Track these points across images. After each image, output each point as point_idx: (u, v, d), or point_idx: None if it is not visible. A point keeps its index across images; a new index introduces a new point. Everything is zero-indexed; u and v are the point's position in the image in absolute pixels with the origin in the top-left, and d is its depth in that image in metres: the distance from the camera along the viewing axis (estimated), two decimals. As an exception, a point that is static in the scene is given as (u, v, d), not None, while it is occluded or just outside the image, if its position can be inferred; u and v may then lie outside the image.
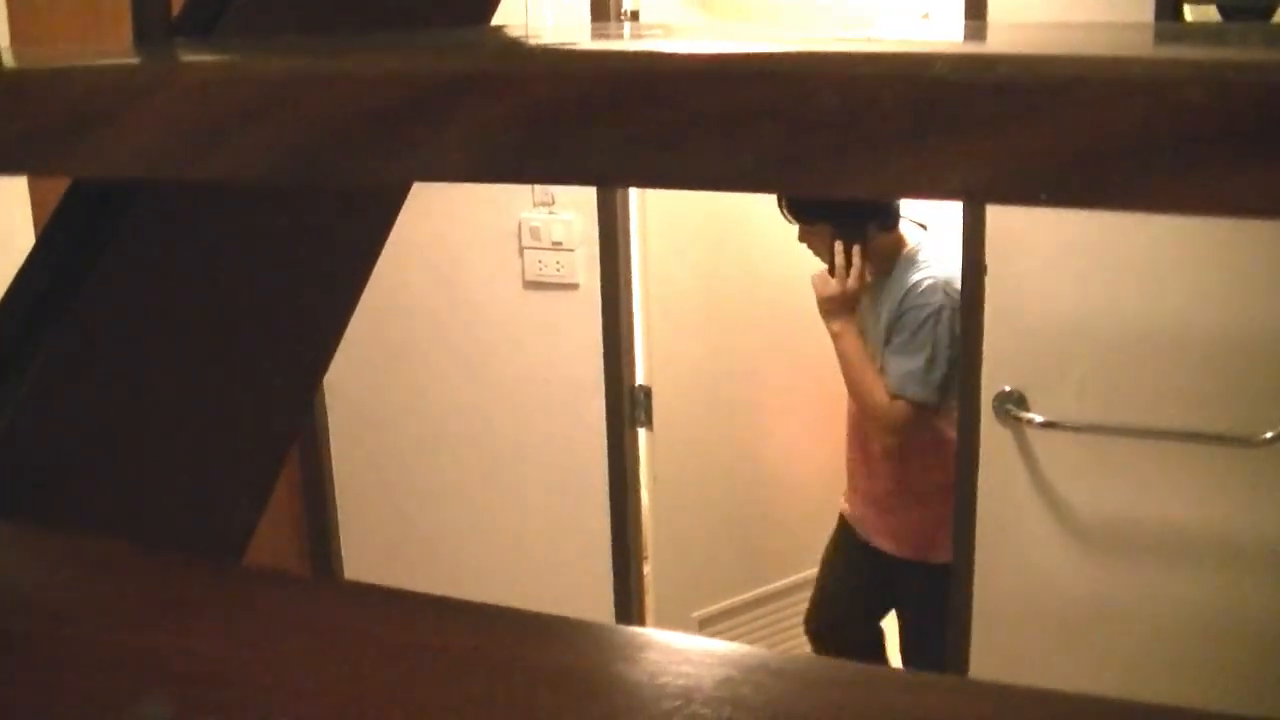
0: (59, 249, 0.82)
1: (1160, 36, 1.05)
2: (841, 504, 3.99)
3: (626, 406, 3.91)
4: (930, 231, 3.64)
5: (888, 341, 3.49)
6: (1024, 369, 3.25)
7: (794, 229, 3.53)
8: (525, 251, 3.90)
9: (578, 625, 0.61)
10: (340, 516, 4.38)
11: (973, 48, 0.72)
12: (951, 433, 3.46)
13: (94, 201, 0.83)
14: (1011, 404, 3.27)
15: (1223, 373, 3.07)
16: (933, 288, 3.44)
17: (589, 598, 4.01)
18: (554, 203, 3.83)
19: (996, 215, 3.21)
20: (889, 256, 3.53)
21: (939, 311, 3.44)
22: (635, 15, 3.72)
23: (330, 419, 4.28)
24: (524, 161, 0.49)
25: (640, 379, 3.98)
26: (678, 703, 0.53)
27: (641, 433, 4.01)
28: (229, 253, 0.91)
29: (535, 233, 3.87)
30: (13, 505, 0.82)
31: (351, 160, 0.51)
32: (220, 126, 0.53)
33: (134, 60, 0.72)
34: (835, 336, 3.48)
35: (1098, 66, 0.45)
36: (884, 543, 3.82)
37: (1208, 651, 3.17)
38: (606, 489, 3.96)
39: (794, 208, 3.44)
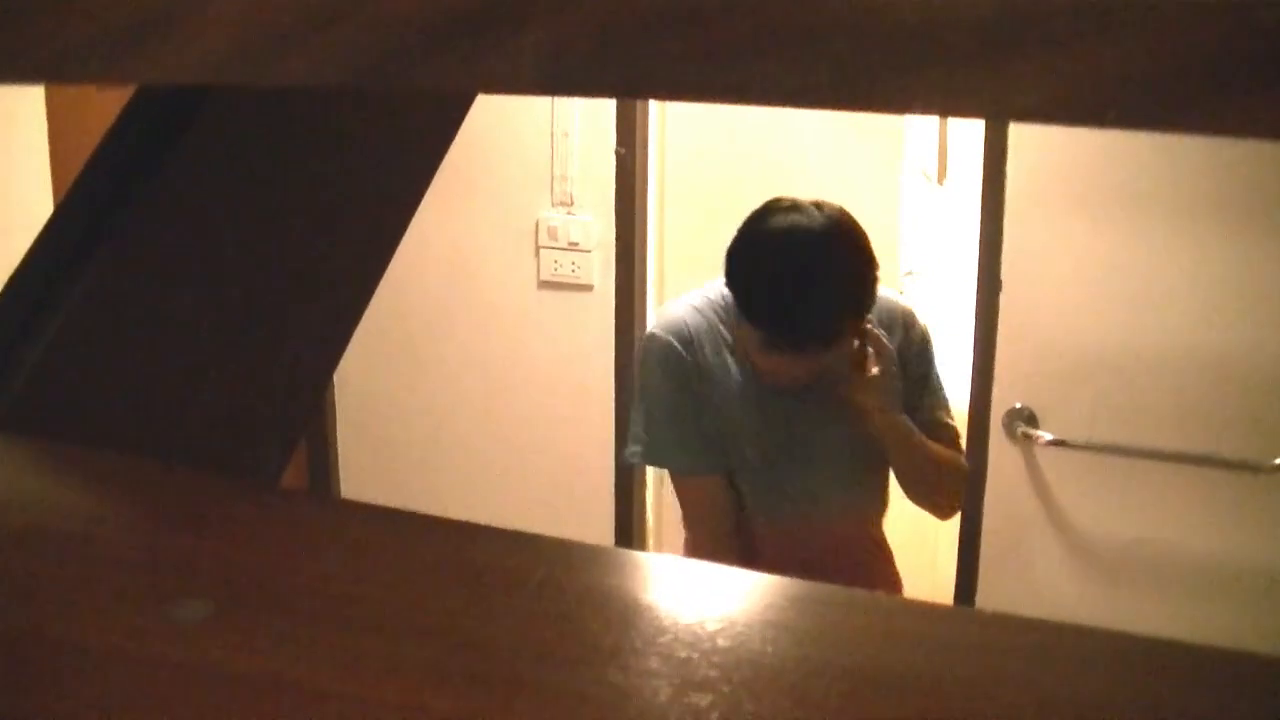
0: (101, 182, 0.83)
1: None
2: None
3: (636, 410, 3.91)
4: None
5: (920, 386, 2.62)
6: (1035, 387, 3.25)
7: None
8: (541, 251, 3.91)
9: (623, 553, 0.61)
10: (344, 509, 4.37)
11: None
12: None
13: (142, 132, 0.83)
14: (1021, 421, 3.27)
15: (1234, 397, 3.07)
16: (906, 306, 2.69)
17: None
18: (573, 203, 3.84)
19: (1014, 233, 3.21)
20: None
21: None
22: None
23: (339, 413, 4.28)
24: (596, 70, 0.50)
25: (650, 383, 3.98)
26: (722, 625, 0.53)
27: (649, 437, 4.01)
28: (273, 189, 0.91)
29: (553, 233, 3.87)
30: (48, 431, 0.82)
31: (424, 66, 0.51)
32: (292, 30, 0.53)
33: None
34: (908, 434, 2.54)
35: (1173, -11, 0.45)
36: None
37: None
38: (613, 491, 3.96)
39: (823, 328, 2.31)
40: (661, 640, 0.52)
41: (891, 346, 2.46)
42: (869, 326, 2.40)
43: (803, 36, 0.47)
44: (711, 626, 0.53)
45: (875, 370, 2.41)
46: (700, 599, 0.57)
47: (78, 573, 0.60)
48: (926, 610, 0.56)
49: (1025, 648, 0.53)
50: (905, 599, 0.57)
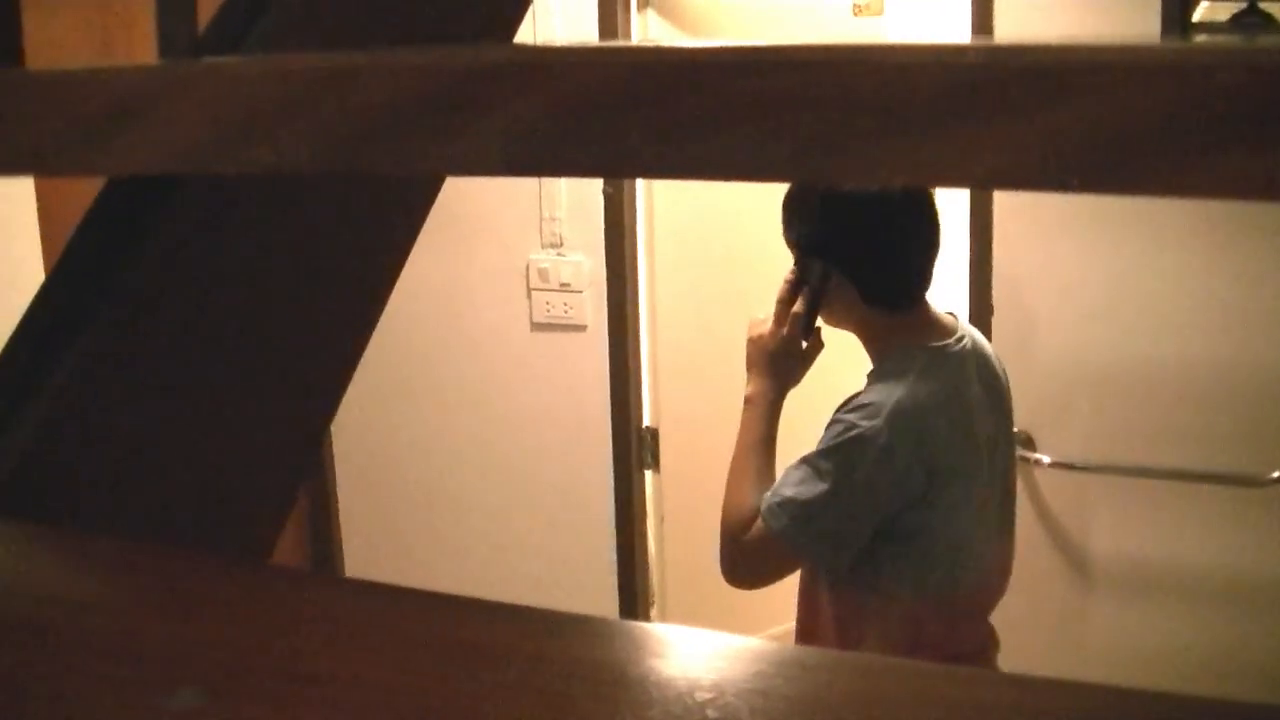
0: (87, 257, 0.83)
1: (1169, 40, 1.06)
2: None
3: (634, 448, 3.90)
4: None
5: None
6: (1032, 410, 3.25)
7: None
8: (533, 293, 3.92)
9: (609, 623, 0.61)
10: (346, 553, 4.37)
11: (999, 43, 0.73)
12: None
13: (122, 211, 0.84)
14: (1019, 445, 3.27)
15: (1230, 413, 3.08)
16: (877, 406, 2.21)
17: (595, 640, 4.00)
18: (562, 244, 3.85)
19: (1003, 255, 3.22)
20: (887, 338, 2.31)
21: (868, 441, 2.18)
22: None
23: (337, 457, 4.28)
24: (562, 151, 0.50)
25: (647, 421, 3.98)
26: (711, 695, 0.53)
27: (648, 475, 4.00)
28: (258, 260, 0.91)
29: (544, 274, 3.88)
30: (37, 514, 0.82)
31: (392, 150, 0.52)
32: (260, 118, 0.54)
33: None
34: (744, 402, 2.44)
35: (1128, 53, 0.46)
36: None
37: (1215, 692, 3.15)
38: (613, 531, 3.95)
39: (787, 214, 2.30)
40: (651, 714, 0.52)
41: (802, 313, 2.35)
42: (795, 280, 2.33)
43: (763, 112, 0.47)
44: (700, 697, 0.53)
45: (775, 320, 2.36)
46: (688, 667, 0.57)
47: (66, 662, 0.60)
48: (912, 670, 0.57)
49: (1007, 706, 0.53)
50: (891, 660, 0.57)
